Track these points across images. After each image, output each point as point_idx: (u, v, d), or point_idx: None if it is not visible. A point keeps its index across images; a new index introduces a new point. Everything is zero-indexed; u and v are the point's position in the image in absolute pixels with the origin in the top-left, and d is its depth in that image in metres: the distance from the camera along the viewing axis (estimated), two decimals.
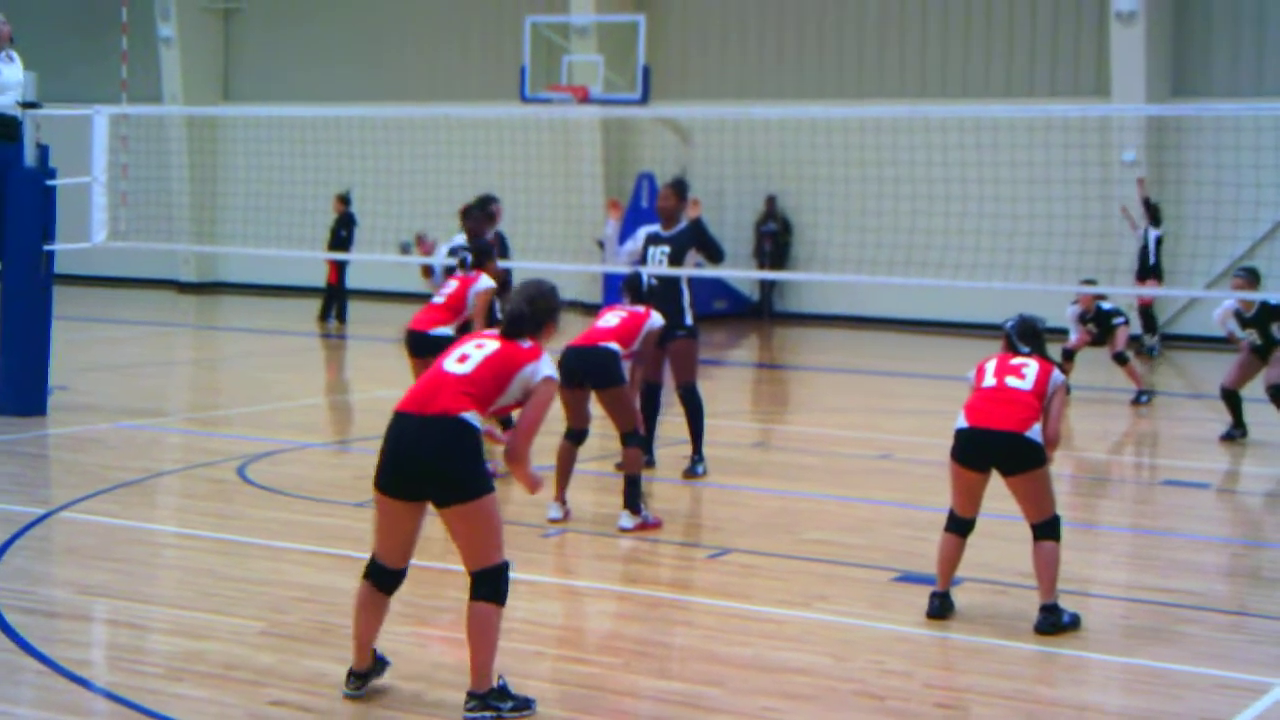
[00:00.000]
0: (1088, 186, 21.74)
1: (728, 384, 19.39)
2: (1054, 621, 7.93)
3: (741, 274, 26.42)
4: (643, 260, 12.34)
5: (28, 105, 14.40)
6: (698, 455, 12.24)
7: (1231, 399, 14.29)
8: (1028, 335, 8.37)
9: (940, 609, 8.14)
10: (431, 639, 7.63)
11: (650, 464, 12.27)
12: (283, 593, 8.33)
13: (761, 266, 25.84)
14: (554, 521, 10.24)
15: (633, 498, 10.18)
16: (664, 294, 11.94)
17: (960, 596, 8.42)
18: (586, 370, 10.35)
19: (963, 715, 6.67)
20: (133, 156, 26.00)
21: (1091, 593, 8.98)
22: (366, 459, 12.92)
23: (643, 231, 12.51)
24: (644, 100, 24.83)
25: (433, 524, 9.63)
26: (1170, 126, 22.70)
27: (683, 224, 12.32)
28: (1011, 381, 8.14)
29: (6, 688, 6.83)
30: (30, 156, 14.35)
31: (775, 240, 26.53)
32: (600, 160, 27.45)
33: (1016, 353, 8.33)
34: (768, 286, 27.11)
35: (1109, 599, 8.93)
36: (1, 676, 6.96)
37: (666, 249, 12.26)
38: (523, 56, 25.60)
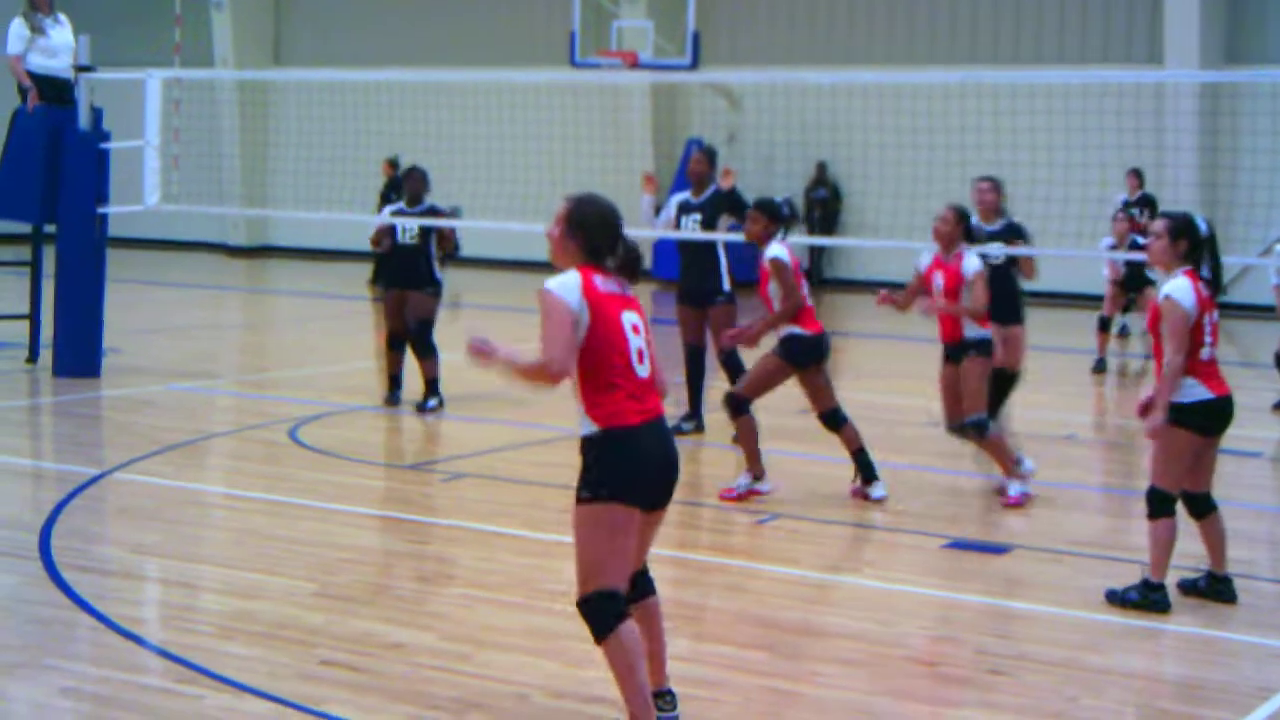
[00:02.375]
0: (1141, 153, 21.52)
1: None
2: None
3: (791, 240, 26.32)
4: (676, 228, 12.36)
5: (81, 69, 14.49)
6: None
7: None
8: None
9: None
10: (479, 601, 7.66)
11: (700, 428, 12.29)
12: (333, 554, 8.39)
13: (811, 232, 25.74)
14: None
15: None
16: (699, 261, 12.04)
17: (1011, 564, 8.40)
18: None
19: (1013, 682, 6.66)
20: (184, 120, 26.11)
21: (1142, 560, 8.93)
22: (416, 422, 13.01)
23: (674, 200, 12.52)
24: (694, 66, 24.74)
25: (456, 488, 9.67)
26: (1224, 93, 22.46)
27: (712, 188, 12.34)
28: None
29: (63, 644, 6.91)
30: (84, 120, 14.44)
31: (825, 206, 26.42)
32: (649, 126, 27.39)
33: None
34: (817, 252, 27.02)
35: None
36: (58, 633, 7.04)
37: (698, 216, 12.29)
38: (572, 21, 25.53)
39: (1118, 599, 7.84)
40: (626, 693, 5.57)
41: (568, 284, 5.60)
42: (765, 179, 26.31)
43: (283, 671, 6.52)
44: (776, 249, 10.23)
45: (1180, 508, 7.85)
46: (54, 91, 14.43)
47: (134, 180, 15.06)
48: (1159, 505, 7.80)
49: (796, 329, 10.08)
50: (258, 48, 31.12)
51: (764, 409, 13.50)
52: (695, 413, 12.43)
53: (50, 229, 14.83)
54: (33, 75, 14.32)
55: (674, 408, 12.95)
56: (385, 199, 24.82)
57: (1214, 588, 7.99)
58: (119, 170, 14.72)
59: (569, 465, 10.21)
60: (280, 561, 8.23)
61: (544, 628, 7.23)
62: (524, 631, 7.16)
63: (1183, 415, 7.75)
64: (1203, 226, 7.85)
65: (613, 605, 5.59)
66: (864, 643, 7.14)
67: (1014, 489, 9.94)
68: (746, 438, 10.13)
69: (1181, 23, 23.12)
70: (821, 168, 26.42)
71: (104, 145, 14.48)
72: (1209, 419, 7.81)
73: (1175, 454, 7.78)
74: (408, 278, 13.46)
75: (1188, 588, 8.01)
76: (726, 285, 12.26)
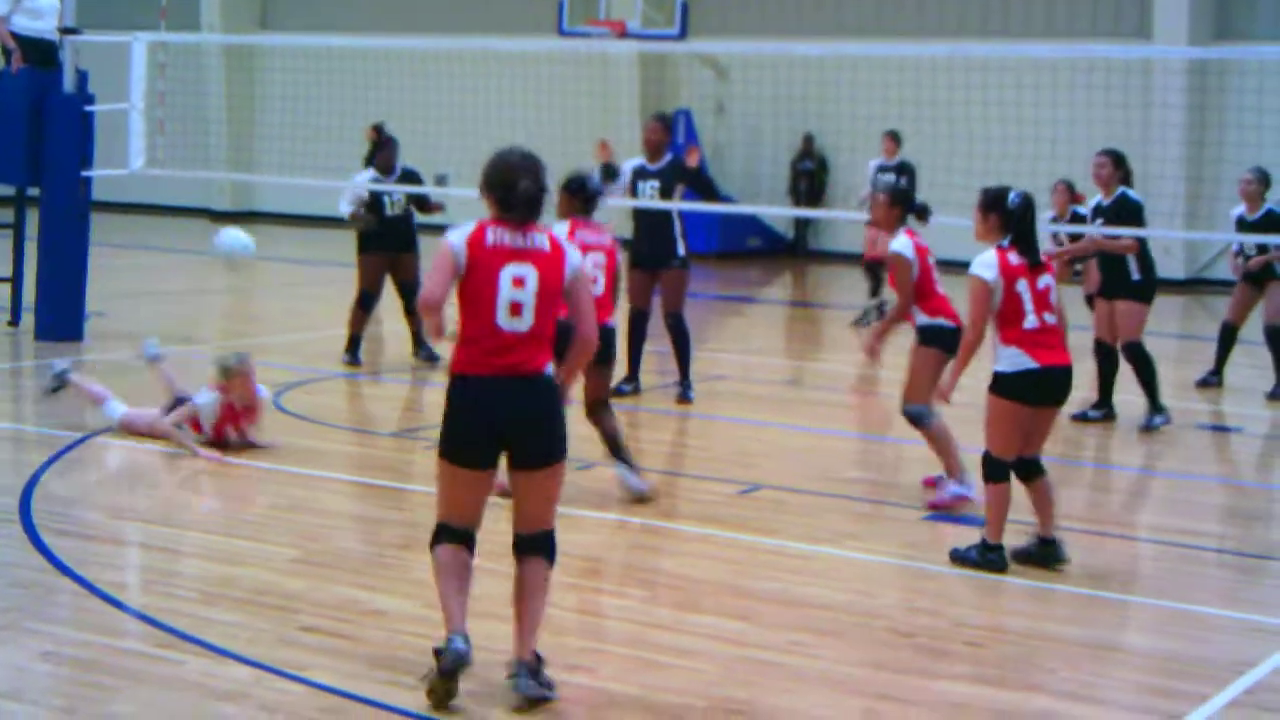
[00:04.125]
0: (1129, 129, 21.51)
1: (761, 321, 19.38)
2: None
3: (777, 211, 26.32)
4: (632, 193, 12.41)
5: (66, 31, 14.42)
6: (686, 381, 12.44)
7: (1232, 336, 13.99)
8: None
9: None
10: None
11: (637, 390, 12.35)
12: (315, 520, 8.39)
13: (797, 204, 25.74)
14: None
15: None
16: (655, 227, 12.22)
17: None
18: None
19: (990, 654, 6.69)
20: (170, 84, 25.97)
21: (1122, 535, 8.98)
22: (400, 389, 13.02)
23: (629, 166, 12.51)
24: (682, 36, 24.68)
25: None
26: (1213, 69, 22.45)
27: (668, 157, 12.39)
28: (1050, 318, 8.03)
29: (44, 607, 6.92)
30: (69, 82, 14.38)
31: (811, 178, 26.40)
32: (637, 96, 27.31)
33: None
34: (802, 224, 27.02)
35: (1137, 540, 8.92)
36: (38, 596, 7.05)
37: (655, 183, 12.35)
38: None
39: (959, 557, 7.96)
40: (439, 597, 5.97)
41: (459, 231, 5.93)
42: (753, 148, 26.32)
43: (263, 637, 6.53)
44: (900, 241, 9.40)
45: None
46: (38, 54, 14.35)
47: (119, 144, 15.00)
48: (991, 470, 7.90)
49: (939, 320, 9.31)
50: (244, 12, 30.97)
51: (748, 379, 13.57)
52: (633, 375, 12.49)
53: (34, 192, 14.77)
54: (17, 37, 14.25)
55: (657, 377, 12.98)
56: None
57: (1042, 551, 7.99)
58: (104, 133, 14.66)
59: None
60: (262, 527, 8.24)
61: None
62: (505, 599, 7.14)
63: (1003, 384, 7.84)
64: (1014, 200, 7.98)
65: (439, 535, 6.01)
66: (843, 613, 7.17)
67: (950, 489, 9.28)
68: (936, 443, 9.36)
69: None
70: (809, 140, 26.38)
71: (89, 108, 14.41)
72: (1029, 388, 7.81)
73: (1000, 422, 7.85)
74: (397, 243, 13.59)
75: (1020, 555, 7.97)
76: (681, 250, 12.35)
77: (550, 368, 5.96)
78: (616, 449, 9.21)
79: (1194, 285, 23.56)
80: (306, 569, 7.52)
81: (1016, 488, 7.97)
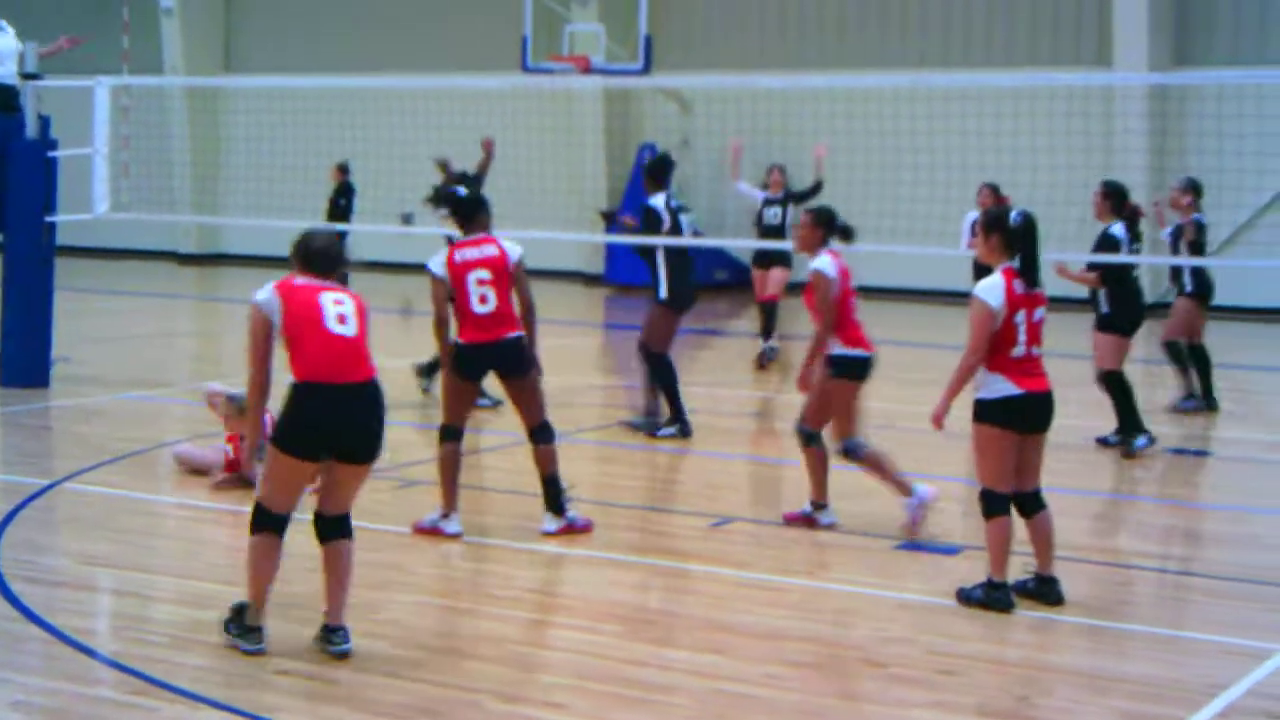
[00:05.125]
0: (1090, 155, 21.66)
1: (729, 354, 19.39)
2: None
3: (743, 243, 26.35)
4: (674, 227, 12.32)
5: (28, 76, 14.39)
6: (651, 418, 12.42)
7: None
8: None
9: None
10: (431, 608, 7.65)
11: (686, 434, 12.23)
12: (287, 562, 8.28)
13: (763, 236, 25.75)
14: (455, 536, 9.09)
15: (554, 497, 9.24)
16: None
17: (962, 564, 8.44)
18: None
19: (965, 682, 6.70)
20: (134, 128, 25.97)
21: (1092, 560, 9.00)
22: None
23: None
24: (646, 70, 24.77)
25: (409, 495, 9.64)
26: (1173, 95, 22.63)
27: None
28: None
29: (12, 656, 6.86)
30: (32, 128, 14.34)
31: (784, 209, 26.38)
32: (602, 130, 27.39)
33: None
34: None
35: (1110, 566, 8.95)
36: (7, 645, 6.99)
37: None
38: (524, 26, 25.53)
39: (964, 597, 7.84)
40: (248, 579, 6.96)
41: (266, 287, 7.01)
42: (718, 184, 26.36)
43: (237, 681, 6.50)
44: (823, 260, 9.46)
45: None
46: (0, 99, 14.32)
47: (83, 188, 14.95)
48: (988, 505, 7.79)
49: (856, 350, 9.38)
50: (207, 54, 30.93)
51: (716, 412, 13.57)
52: (679, 417, 12.35)
53: None
54: None
55: (618, 411, 12.95)
56: (334, 205, 24.76)
57: (1040, 589, 7.91)
58: (67, 178, 14.60)
59: (522, 471, 10.24)
60: (233, 570, 8.17)
61: (496, 633, 7.23)
62: (476, 637, 7.16)
63: (985, 411, 7.79)
64: (1015, 219, 7.85)
65: (258, 518, 6.96)
66: (817, 644, 7.17)
67: (912, 504, 9.37)
68: (876, 470, 9.49)
69: (1130, 25, 23.29)
70: (774, 171, 26.41)
71: (52, 153, 14.37)
72: (1013, 415, 7.75)
73: (987, 451, 7.78)
74: None
75: (1019, 589, 7.88)
76: (661, 292, 12.26)
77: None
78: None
79: (1156, 309, 23.65)
80: (278, 611, 7.46)
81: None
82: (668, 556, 8.82)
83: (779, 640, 7.24)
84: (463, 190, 9.49)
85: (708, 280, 26.20)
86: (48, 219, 14.26)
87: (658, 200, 12.39)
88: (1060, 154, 21.64)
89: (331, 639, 6.86)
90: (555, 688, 6.51)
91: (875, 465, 9.42)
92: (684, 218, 12.51)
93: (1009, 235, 7.80)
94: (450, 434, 9.17)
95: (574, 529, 9.14)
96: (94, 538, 8.78)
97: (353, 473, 7.00)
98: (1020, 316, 7.76)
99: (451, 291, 9.05)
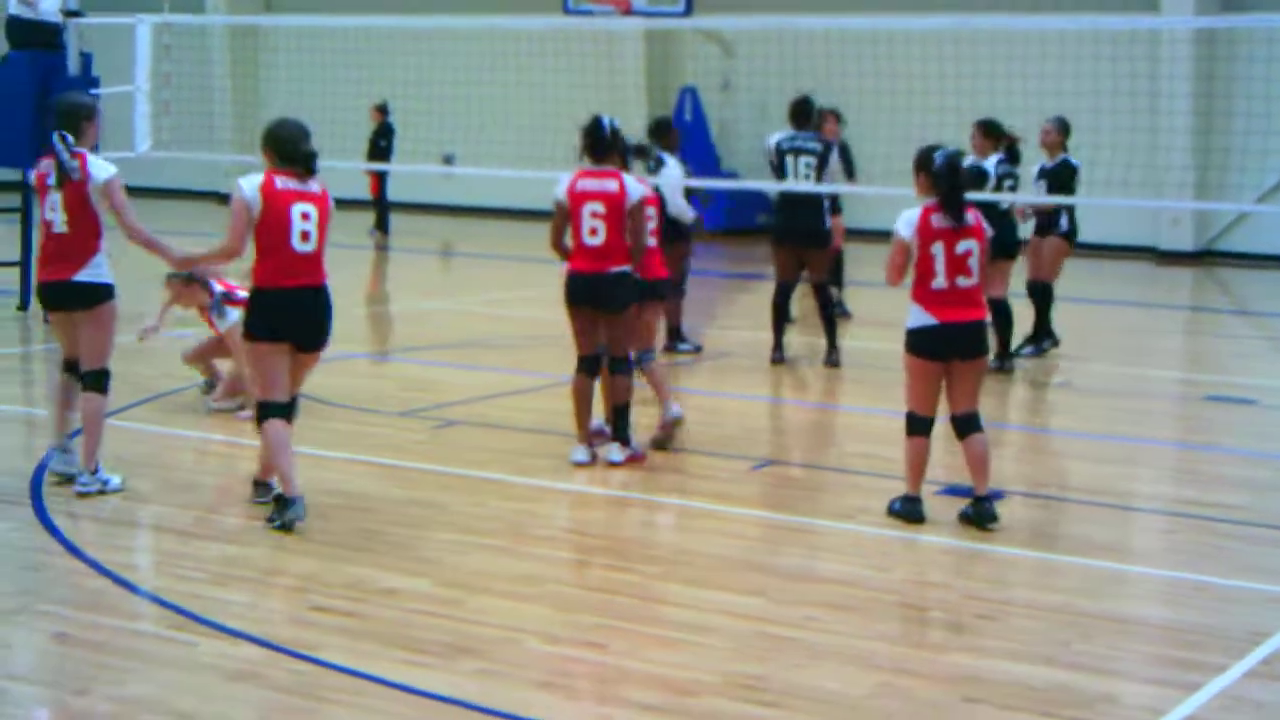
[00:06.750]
0: (1136, 99, 21.43)
1: (770, 299, 19.29)
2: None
3: (785, 187, 26.22)
4: (780, 167, 13.11)
5: (70, 13, 14.37)
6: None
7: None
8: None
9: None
10: (471, 546, 7.66)
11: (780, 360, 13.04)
12: (325, 500, 8.37)
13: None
14: (580, 465, 9.37)
15: (623, 429, 9.53)
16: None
17: (1003, 509, 8.39)
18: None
19: (1004, 627, 6.67)
20: (175, 65, 25.92)
21: (1135, 506, 8.95)
22: (409, 369, 13.01)
23: (775, 138, 13.36)
24: (687, 12, 24.58)
25: (447, 434, 9.69)
26: (1221, 39, 22.34)
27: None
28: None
29: (55, 589, 6.91)
30: (73, 65, 14.34)
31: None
32: (643, 73, 27.24)
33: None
34: None
35: (1152, 513, 8.89)
36: (50, 579, 7.05)
37: (811, 160, 13.26)
38: None
39: (889, 510, 8.30)
40: (274, 463, 7.94)
41: (251, 182, 7.87)
42: (759, 125, 26.19)
43: (275, 617, 6.53)
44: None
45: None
46: (42, 36, 14.31)
47: (124, 126, 14.95)
48: (908, 425, 8.27)
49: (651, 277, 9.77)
50: None
51: (757, 355, 13.52)
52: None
53: None
54: (21, 20, 14.20)
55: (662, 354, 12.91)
56: (375, 145, 24.72)
57: (974, 509, 8.18)
58: (108, 117, 14.55)
59: (558, 411, 10.25)
60: (272, 508, 8.21)
61: (534, 573, 7.23)
62: (515, 577, 7.16)
63: (908, 339, 8.21)
64: (938, 159, 8.17)
65: (264, 410, 7.92)
66: (857, 588, 7.15)
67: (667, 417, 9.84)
68: (657, 385, 10.03)
69: None
70: (832, 117, 26.21)
71: (93, 91, 14.36)
72: (929, 343, 8.11)
73: (910, 376, 8.25)
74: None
75: (961, 518, 8.20)
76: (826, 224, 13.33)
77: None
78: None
79: (1205, 257, 23.47)
80: (317, 549, 7.51)
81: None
82: (706, 499, 8.80)
83: (818, 583, 7.22)
84: (607, 121, 9.56)
85: (750, 224, 26.11)
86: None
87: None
88: (1106, 97, 21.42)
89: (283, 511, 7.84)
90: (595, 628, 6.52)
91: (658, 378, 9.98)
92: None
93: (933, 176, 8.17)
94: (581, 364, 9.44)
95: (635, 459, 9.42)
96: (135, 473, 8.81)
97: (303, 361, 8.03)
98: (937, 248, 8.11)
99: (568, 217, 9.28)
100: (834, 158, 14.03)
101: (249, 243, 7.89)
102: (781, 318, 13.28)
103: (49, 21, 14.35)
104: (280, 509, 7.82)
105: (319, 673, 5.91)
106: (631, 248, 9.34)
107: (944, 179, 8.13)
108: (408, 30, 25.55)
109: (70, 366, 8.62)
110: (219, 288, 10.60)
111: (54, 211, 8.53)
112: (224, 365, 10.84)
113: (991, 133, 13.04)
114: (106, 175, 8.50)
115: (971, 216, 8.20)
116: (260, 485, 8.24)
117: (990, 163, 12.70)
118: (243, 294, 10.12)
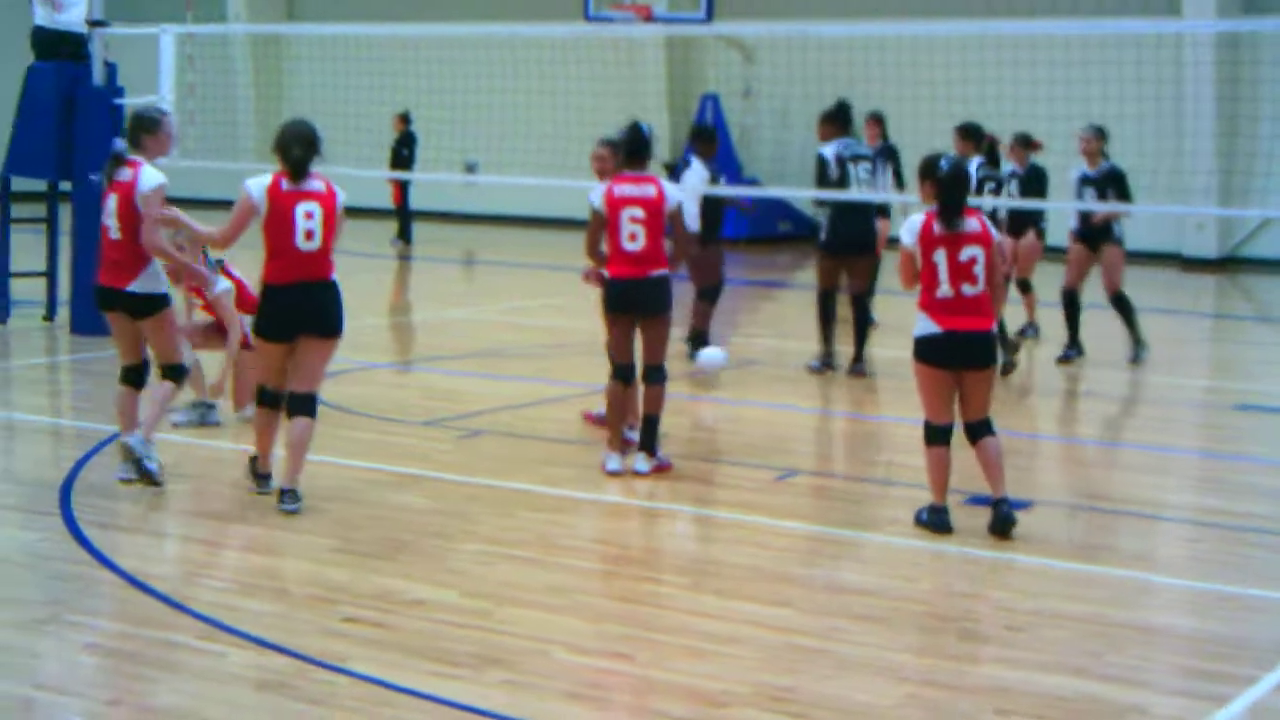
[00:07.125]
0: (1160, 104, 21.38)
1: (794, 306, 19.30)
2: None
3: (806, 193, 26.21)
4: (842, 177, 13.12)
5: (95, 24, 14.43)
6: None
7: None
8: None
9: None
10: (498, 557, 7.66)
11: (829, 366, 13.12)
12: (353, 510, 8.39)
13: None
14: (614, 474, 9.34)
15: (651, 439, 9.46)
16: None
17: (1027, 519, 8.38)
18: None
19: (1032, 638, 6.65)
20: (199, 75, 26.01)
21: (1162, 516, 8.93)
22: (432, 378, 13.03)
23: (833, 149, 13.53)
24: (708, 19, 24.60)
25: (473, 444, 9.69)
26: (1244, 43, 22.29)
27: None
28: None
29: (85, 600, 6.94)
30: (98, 75, 14.40)
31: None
32: (664, 79, 27.27)
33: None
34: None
35: (1178, 522, 8.87)
36: (80, 589, 7.07)
37: (868, 166, 13.52)
38: None
39: (916, 519, 8.29)
40: (256, 440, 8.64)
41: (259, 183, 8.42)
42: (780, 132, 26.21)
43: (304, 628, 6.54)
44: (596, 190, 9.46)
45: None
46: (68, 46, 14.38)
47: None
48: (926, 435, 8.31)
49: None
50: (271, 2, 30.98)
51: (781, 364, 13.51)
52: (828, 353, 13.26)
53: (66, 186, 14.81)
54: (46, 30, 14.27)
55: (678, 363, 12.92)
56: (397, 154, 24.79)
57: (992, 513, 8.21)
58: None
59: (583, 421, 10.25)
60: (300, 518, 8.24)
61: (563, 584, 7.24)
62: (543, 588, 7.17)
63: (915, 348, 8.26)
64: (942, 167, 8.19)
65: (261, 396, 8.52)
66: (884, 599, 7.14)
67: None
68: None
69: None
70: (874, 121, 26.20)
71: (118, 101, 14.43)
72: (935, 352, 8.14)
73: (920, 385, 8.31)
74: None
75: (989, 528, 8.20)
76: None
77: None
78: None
79: (1229, 263, 23.40)
80: (346, 559, 7.52)
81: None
82: (733, 509, 8.80)
83: (846, 594, 7.21)
84: (647, 127, 9.64)
85: (772, 232, 26.11)
86: None
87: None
88: (1130, 103, 21.35)
89: (284, 499, 8.27)
90: (623, 638, 6.52)
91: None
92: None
93: (936, 182, 8.18)
94: (616, 372, 9.40)
95: (662, 469, 9.40)
96: (164, 484, 8.83)
97: (317, 346, 8.32)
98: (940, 256, 8.11)
99: (605, 224, 9.31)
100: (884, 163, 14.24)
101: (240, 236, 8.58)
102: (830, 324, 13.20)
103: (74, 31, 14.41)
104: (256, 480, 8.68)
105: (347, 683, 5.92)
106: (674, 252, 9.45)
107: (947, 187, 8.14)
108: (430, 38, 25.60)
109: (128, 376, 8.80)
110: (213, 259, 10.75)
111: (109, 217, 8.77)
112: (210, 374, 10.77)
113: (971, 136, 13.19)
114: (148, 185, 8.70)
115: (976, 222, 8.19)
116: (262, 478, 8.67)
117: (971, 166, 12.72)
118: (236, 272, 10.64)
